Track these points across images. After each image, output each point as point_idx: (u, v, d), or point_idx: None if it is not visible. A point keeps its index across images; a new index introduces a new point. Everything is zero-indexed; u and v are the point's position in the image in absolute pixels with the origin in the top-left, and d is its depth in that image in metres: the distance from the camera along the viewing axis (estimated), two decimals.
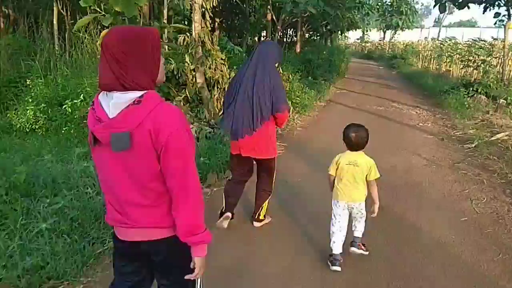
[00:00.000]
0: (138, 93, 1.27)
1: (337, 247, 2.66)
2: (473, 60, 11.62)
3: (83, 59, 7.21)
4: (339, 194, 2.66)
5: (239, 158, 3.11)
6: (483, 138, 6.08)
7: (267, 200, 3.27)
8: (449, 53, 15.25)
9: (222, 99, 4.95)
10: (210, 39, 5.94)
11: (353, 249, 2.74)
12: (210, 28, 6.03)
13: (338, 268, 2.62)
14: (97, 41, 6.83)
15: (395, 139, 6.36)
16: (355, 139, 2.58)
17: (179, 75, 5.84)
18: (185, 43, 5.77)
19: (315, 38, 21.89)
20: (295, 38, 19.95)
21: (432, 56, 17.59)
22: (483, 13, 10.40)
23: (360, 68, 21.27)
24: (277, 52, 3.12)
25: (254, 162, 3.20)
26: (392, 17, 28.72)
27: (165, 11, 6.54)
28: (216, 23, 12.48)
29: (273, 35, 13.53)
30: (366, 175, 2.59)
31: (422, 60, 19.72)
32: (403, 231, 3.30)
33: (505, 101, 7.92)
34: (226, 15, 15.05)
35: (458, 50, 14.08)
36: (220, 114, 5.54)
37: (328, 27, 21.48)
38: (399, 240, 3.14)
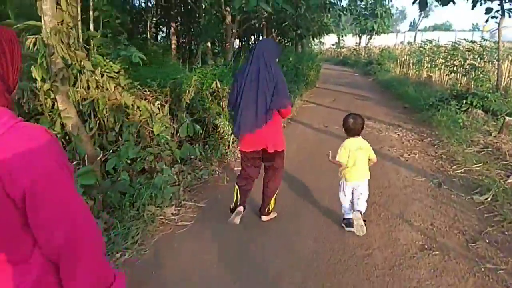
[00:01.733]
0: None
1: (348, 211, 3.23)
2: (459, 65, 9.83)
3: None
4: (349, 176, 3.15)
5: (248, 155, 3.21)
6: (497, 182, 4.10)
7: (275, 194, 3.36)
8: (430, 57, 13.52)
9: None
10: (79, 40, 3.77)
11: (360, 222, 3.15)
12: (77, 23, 3.80)
13: (352, 229, 3.13)
14: None
15: (370, 186, 4.30)
16: (353, 124, 3.14)
17: (24, 99, 3.64)
18: (35, 48, 3.58)
19: (285, 44, 20.00)
20: None
21: (411, 60, 15.87)
22: (472, 9, 8.59)
23: (334, 76, 19.45)
24: (276, 48, 3.27)
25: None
26: (367, 20, 27.16)
27: None
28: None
29: (228, 41, 11.48)
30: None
31: (400, 65, 18.04)
32: None
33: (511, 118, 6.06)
34: (179, 15, 12.96)
35: (442, 54, 12.33)
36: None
37: (298, 32, 19.79)
38: None
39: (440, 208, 3.66)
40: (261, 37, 16.67)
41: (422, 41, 14.66)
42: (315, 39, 22.95)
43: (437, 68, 12.34)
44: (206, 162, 5.00)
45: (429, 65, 13.17)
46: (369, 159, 3.17)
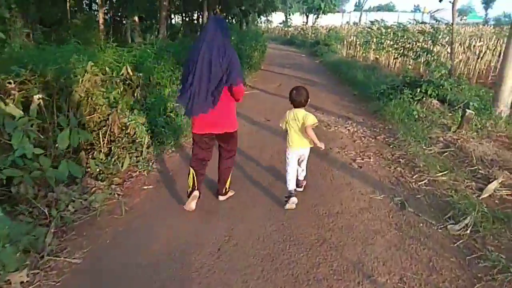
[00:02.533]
0: None
1: (292, 184, 3.36)
2: (409, 48, 9.17)
3: None
4: (290, 143, 3.36)
5: (202, 137, 3.17)
6: (470, 200, 3.29)
7: (231, 174, 3.41)
8: (377, 38, 12.89)
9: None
10: None
11: (298, 188, 3.53)
12: None
13: (295, 200, 3.30)
14: None
15: (319, 211, 3.32)
16: (295, 96, 3.31)
17: None
18: None
19: (229, 21, 18.53)
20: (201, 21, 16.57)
21: (358, 42, 15.22)
22: None
23: (281, 56, 18.43)
24: (227, 26, 3.18)
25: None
26: None
27: None
28: None
29: (161, 16, 9.91)
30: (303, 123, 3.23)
31: (347, 47, 17.42)
32: None
33: (473, 112, 5.36)
34: None
35: (389, 36, 11.70)
36: None
37: (242, 8, 18.37)
38: None
39: (409, 249, 2.73)
40: (205, 14, 15.15)
41: (370, 21, 13.98)
42: (261, 16, 21.66)
43: (384, 51, 11.71)
44: (106, 178, 3.73)
45: (376, 47, 12.52)
46: (307, 126, 3.21)
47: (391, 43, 11.58)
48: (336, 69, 12.52)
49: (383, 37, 12.06)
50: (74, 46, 5.38)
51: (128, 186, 3.73)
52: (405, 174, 4.09)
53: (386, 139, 5.34)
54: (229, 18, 18.06)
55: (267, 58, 16.57)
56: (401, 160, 4.51)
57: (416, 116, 5.99)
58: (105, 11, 10.31)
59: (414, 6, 70.04)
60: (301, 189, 3.62)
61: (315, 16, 34.80)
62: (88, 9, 12.22)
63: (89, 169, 3.78)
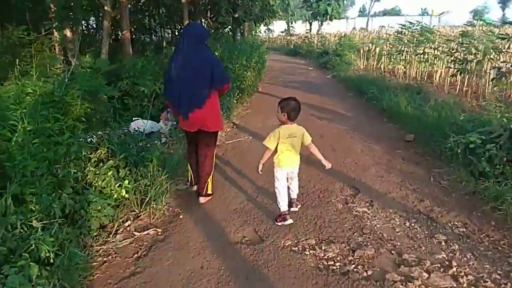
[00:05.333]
0: None
1: (284, 205, 3.09)
2: (471, 60, 5.87)
3: None
4: (282, 163, 3.04)
5: (188, 133, 3.46)
6: None
7: (212, 173, 3.47)
8: (414, 44, 9.59)
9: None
10: None
11: (292, 209, 3.24)
12: None
13: (291, 221, 3.07)
14: None
15: None
16: (294, 107, 2.95)
17: None
18: None
19: (221, 31, 15.30)
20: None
21: (385, 50, 11.92)
22: None
23: (284, 71, 15.18)
24: (203, 30, 3.55)
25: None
26: (319, 3, 23.14)
27: None
28: None
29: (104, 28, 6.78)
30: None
31: (364, 57, 14.17)
32: None
33: None
34: None
35: (437, 42, 8.41)
36: None
37: (236, 15, 15.24)
38: None
39: None
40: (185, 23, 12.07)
41: (401, 24, 10.71)
42: (258, 24, 18.50)
43: (440, 62, 8.36)
44: None
45: (416, 58, 9.18)
46: (310, 145, 3.09)
47: (437, 52, 8.31)
48: (358, 88, 9.23)
49: (426, 44, 8.76)
50: None
51: None
52: None
53: None
54: (220, 28, 14.92)
55: (268, 74, 13.37)
56: None
57: None
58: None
59: (421, 9, 66.79)
60: (296, 209, 3.29)
61: (320, 22, 31.76)
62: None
63: None
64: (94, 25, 13.01)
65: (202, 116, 3.20)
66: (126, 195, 3.18)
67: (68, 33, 6.88)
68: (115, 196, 3.12)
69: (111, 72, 6.52)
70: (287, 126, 2.97)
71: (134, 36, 18.69)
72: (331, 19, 26.22)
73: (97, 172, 3.23)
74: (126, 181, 3.19)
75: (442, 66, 8.48)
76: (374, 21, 48.72)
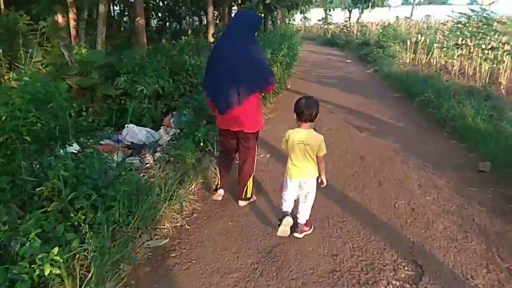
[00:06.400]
0: None
1: (288, 205, 2.72)
2: None
3: None
4: (291, 173, 2.64)
5: (227, 133, 3.08)
6: None
7: (252, 177, 3.17)
8: (478, 37, 7.87)
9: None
10: None
11: (296, 234, 2.70)
12: None
13: (290, 220, 2.65)
14: None
15: None
16: (305, 105, 2.51)
17: None
18: None
19: None
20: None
21: (438, 43, 10.17)
22: None
23: (319, 63, 13.67)
24: (255, 20, 3.04)
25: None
26: None
27: None
28: None
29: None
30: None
31: (410, 49, 12.38)
32: None
33: None
34: None
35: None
36: None
37: (267, 1, 13.86)
38: None
39: None
40: (209, 14, 11.05)
41: (460, 12, 8.95)
42: (292, 12, 16.96)
43: (508, 57, 6.69)
44: None
45: (491, 54, 7.43)
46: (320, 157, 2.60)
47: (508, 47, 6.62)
48: (407, 88, 7.71)
49: (494, 37, 7.07)
50: None
51: None
52: None
53: None
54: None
55: (300, 67, 11.97)
56: None
57: None
58: None
59: None
60: (300, 235, 2.69)
61: (360, 10, 29.61)
62: None
63: None
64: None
65: (242, 116, 2.90)
66: (56, 271, 2.04)
67: (60, 18, 5.88)
68: (36, 273, 1.98)
69: (107, 66, 5.44)
70: (296, 130, 2.59)
71: (167, 24, 17.81)
72: (373, 7, 24.13)
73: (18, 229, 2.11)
74: (56, 249, 2.04)
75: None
76: (419, 10, 45.44)
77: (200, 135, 4.30)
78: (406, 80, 8.35)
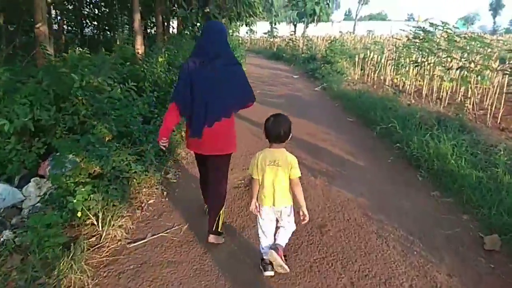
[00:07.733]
0: None
1: (266, 249, 2.45)
2: None
3: None
4: (263, 198, 2.37)
5: (200, 156, 2.84)
6: None
7: (224, 208, 2.82)
8: (444, 53, 7.07)
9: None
10: None
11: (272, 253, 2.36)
12: None
13: (271, 273, 2.42)
14: None
15: None
16: (273, 125, 2.31)
17: None
18: None
19: (189, 31, 12.48)
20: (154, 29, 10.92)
21: (388, 59, 9.41)
22: None
23: (263, 79, 12.45)
24: (225, 30, 2.79)
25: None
26: (306, 1, 20.53)
27: None
28: None
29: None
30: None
31: (358, 66, 11.62)
32: None
33: None
34: None
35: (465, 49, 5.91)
36: None
37: (206, 9, 12.50)
38: None
39: None
40: (136, 20, 9.38)
41: (417, 27, 8.20)
42: (235, 23, 15.71)
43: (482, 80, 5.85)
44: None
45: (461, 74, 6.57)
46: (294, 180, 2.34)
47: (478, 66, 5.80)
48: (361, 111, 6.69)
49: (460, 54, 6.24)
50: None
51: None
52: None
53: None
54: (182, 25, 12.17)
55: None
56: None
57: None
58: None
59: (408, 15, 65.44)
60: (277, 258, 2.37)
61: (305, 25, 29.32)
62: None
63: None
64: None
65: (217, 135, 2.59)
66: None
67: None
68: None
69: None
70: (269, 150, 2.36)
71: (99, 32, 15.79)
72: (319, 21, 23.70)
73: None
74: None
75: (481, 85, 5.98)
76: (360, 25, 46.82)
77: (75, 201, 2.80)
78: (359, 101, 7.37)
